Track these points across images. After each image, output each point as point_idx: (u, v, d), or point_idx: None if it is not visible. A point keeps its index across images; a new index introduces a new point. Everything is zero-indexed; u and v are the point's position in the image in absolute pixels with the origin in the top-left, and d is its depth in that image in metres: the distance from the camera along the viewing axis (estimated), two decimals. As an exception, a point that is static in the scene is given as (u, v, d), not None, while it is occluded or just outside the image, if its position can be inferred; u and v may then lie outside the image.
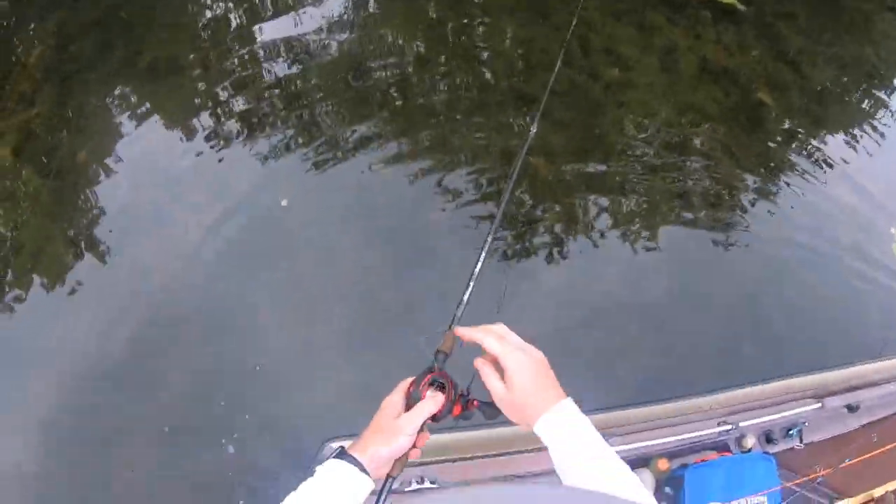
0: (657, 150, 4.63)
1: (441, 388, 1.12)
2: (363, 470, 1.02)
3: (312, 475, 1.03)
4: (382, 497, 1.07)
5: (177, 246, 4.07)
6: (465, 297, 1.25)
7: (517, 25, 5.45)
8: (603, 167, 4.48)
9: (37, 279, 3.97)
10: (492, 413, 1.13)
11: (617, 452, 1.01)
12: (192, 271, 3.94)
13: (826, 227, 4.41)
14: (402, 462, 1.09)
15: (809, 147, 4.91)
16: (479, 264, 1.28)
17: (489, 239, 1.31)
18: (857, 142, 5.07)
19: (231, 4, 5.61)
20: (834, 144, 5.02)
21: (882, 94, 5.62)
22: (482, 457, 2.21)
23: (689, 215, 4.40)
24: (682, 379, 3.34)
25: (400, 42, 5.41)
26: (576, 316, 3.76)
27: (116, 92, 5.01)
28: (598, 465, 0.97)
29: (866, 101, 5.58)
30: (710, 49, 5.40)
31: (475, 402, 1.16)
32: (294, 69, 5.04)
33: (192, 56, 5.09)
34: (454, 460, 2.19)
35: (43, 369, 3.56)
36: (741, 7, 5.83)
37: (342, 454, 1.04)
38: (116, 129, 4.78)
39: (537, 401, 1.00)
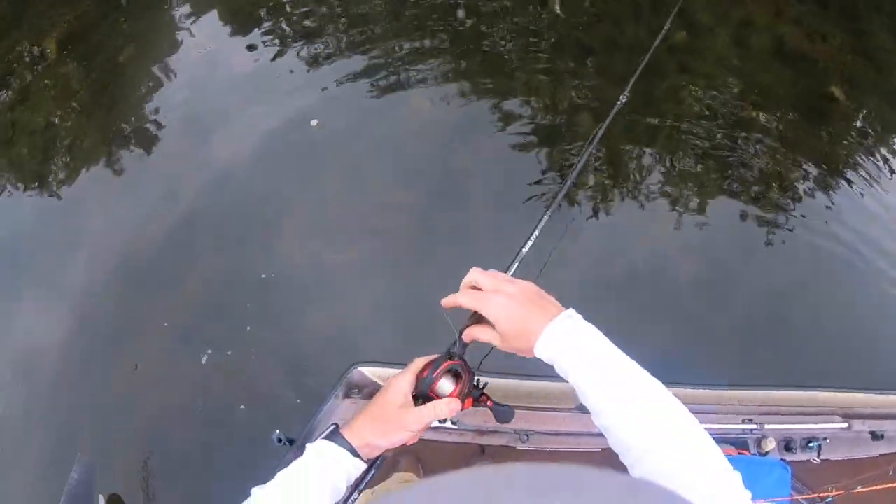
0: (713, 124, 4.35)
1: (457, 377, 1.05)
2: (356, 454, 0.97)
3: (304, 453, 0.98)
4: (368, 477, 1.02)
5: (220, 148, 4.05)
6: (524, 251, 1.17)
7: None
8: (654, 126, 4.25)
9: (78, 169, 4.09)
10: (505, 415, 1.10)
11: None
12: (229, 175, 3.93)
13: (877, 234, 4.16)
14: (395, 449, 1.03)
15: (876, 150, 4.60)
16: (536, 233, 1.21)
17: (553, 204, 1.25)
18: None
19: None
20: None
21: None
22: (522, 407, 2.06)
23: (738, 188, 4.16)
24: (694, 363, 3.19)
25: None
26: (602, 278, 3.60)
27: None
28: (613, 380, 0.89)
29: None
30: (789, 30, 5.04)
31: (489, 402, 1.10)
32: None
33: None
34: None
35: (79, 252, 3.67)
36: (830, -11, 5.44)
37: (334, 435, 0.98)
38: (165, 29, 4.86)
39: (531, 329, 0.92)
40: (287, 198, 3.83)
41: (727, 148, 4.27)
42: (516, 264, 1.15)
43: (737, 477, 0.82)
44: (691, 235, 3.93)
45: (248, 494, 0.94)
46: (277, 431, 1.75)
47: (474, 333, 1.00)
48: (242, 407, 3.13)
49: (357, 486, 1.03)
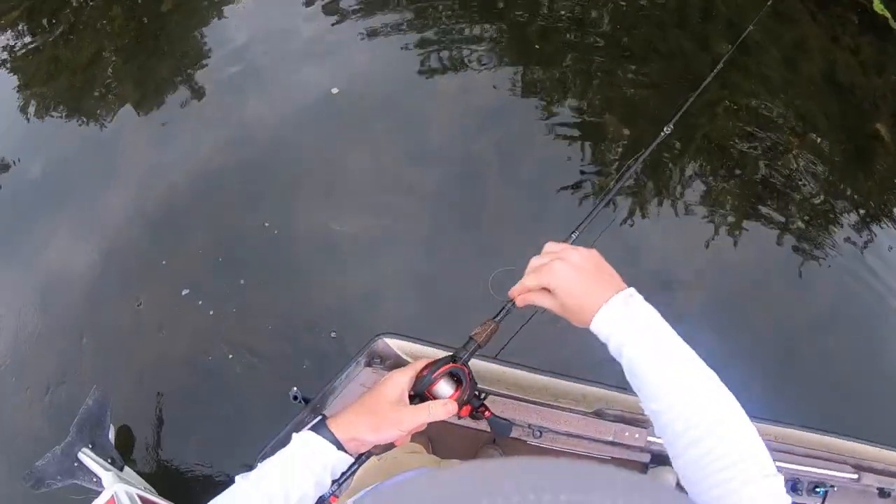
0: (748, 145, 4.18)
1: (458, 382, 1.02)
2: (341, 448, 0.94)
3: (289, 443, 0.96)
4: (350, 471, 0.98)
5: (255, 106, 4.10)
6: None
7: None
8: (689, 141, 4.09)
9: (115, 110, 4.20)
10: (502, 429, 1.11)
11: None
12: (260, 133, 3.97)
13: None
14: (383, 446, 1.00)
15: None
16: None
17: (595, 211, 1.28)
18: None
19: None
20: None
21: None
22: (519, 399, 1.99)
23: (767, 213, 4.01)
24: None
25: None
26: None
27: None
28: (670, 365, 0.87)
29: None
30: (843, 58, 4.83)
31: (487, 413, 1.09)
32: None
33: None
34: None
35: (109, 189, 3.83)
36: (893, 24, 5.21)
37: (321, 426, 0.95)
38: None
39: (587, 299, 0.91)
40: (320, 160, 3.87)
41: (755, 170, 4.11)
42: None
43: (779, 481, 0.80)
44: (718, 253, 3.83)
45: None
46: (295, 389, 1.78)
47: (531, 298, 0.98)
48: (231, 356, 3.11)
49: (340, 479, 0.98)
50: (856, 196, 4.35)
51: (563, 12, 4.72)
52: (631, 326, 0.89)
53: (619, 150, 3.97)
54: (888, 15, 5.21)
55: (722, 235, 3.90)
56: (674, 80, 4.27)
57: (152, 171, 3.85)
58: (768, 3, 4.17)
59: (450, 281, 3.28)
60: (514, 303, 1.02)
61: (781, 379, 3.44)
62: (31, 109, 4.35)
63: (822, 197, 4.23)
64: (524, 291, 0.98)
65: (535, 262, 0.98)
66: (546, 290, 0.95)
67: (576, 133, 4.03)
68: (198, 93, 4.23)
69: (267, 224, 3.56)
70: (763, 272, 3.87)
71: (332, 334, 3.18)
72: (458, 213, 3.64)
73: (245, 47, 4.39)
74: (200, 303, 3.35)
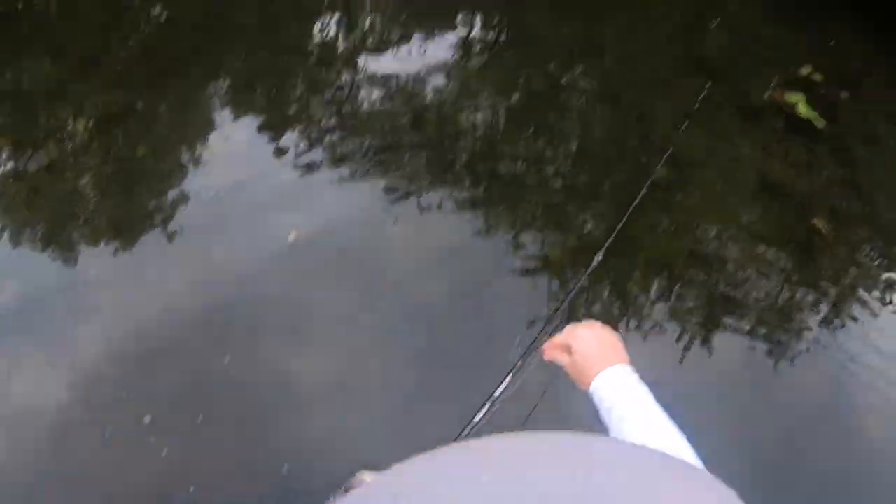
0: (694, 261, 4.59)
1: None
2: None
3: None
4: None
5: (230, 249, 4.29)
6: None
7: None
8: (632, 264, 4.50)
9: (89, 243, 4.35)
10: None
11: None
12: (238, 275, 4.15)
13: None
14: None
15: (860, 285, 4.72)
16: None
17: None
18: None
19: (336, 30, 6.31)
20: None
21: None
22: None
23: (730, 324, 4.32)
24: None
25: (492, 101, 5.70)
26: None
27: (204, 93, 5.58)
28: (644, 422, 1.01)
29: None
30: (775, 165, 5.31)
31: None
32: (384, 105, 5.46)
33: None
34: None
35: (87, 323, 3.88)
36: (819, 124, 5.71)
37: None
38: (191, 127, 5.29)
39: (595, 363, 1.12)
40: (283, 303, 4.07)
41: (706, 286, 4.47)
42: (488, 405, 1.37)
43: None
44: (686, 374, 4.05)
45: None
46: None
47: (553, 354, 1.22)
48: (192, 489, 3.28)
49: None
50: (812, 291, 4.66)
51: (518, 161, 5.29)
52: (624, 392, 1.06)
53: (566, 279, 4.37)
54: (812, 117, 5.73)
55: (685, 353, 4.17)
56: (614, 207, 4.73)
57: (121, 308, 3.98)
58: (684, 124, 4.76)
59: (411, 419, 3.48)
60: (542, 353, 1.26)
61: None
62: (6, 235, 4.40)
63: (780, 298, 4.55)
64: (553, 346, 1.21)
65: (570, 326, 1.22)
66: (568, 350, 1.18)
67: (530, 266, 4.41)
68: (169, 235, 4.40)
69: (227, 361, 3.72)
70: (735, 385, 4.06)
71: (285, 470, 3.31)
72: (416, 352, 3.86)
73: (215, 192, 4.65)
74: (153, 440, 3.42)
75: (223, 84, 5.65)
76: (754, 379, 4.10)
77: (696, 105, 5.48)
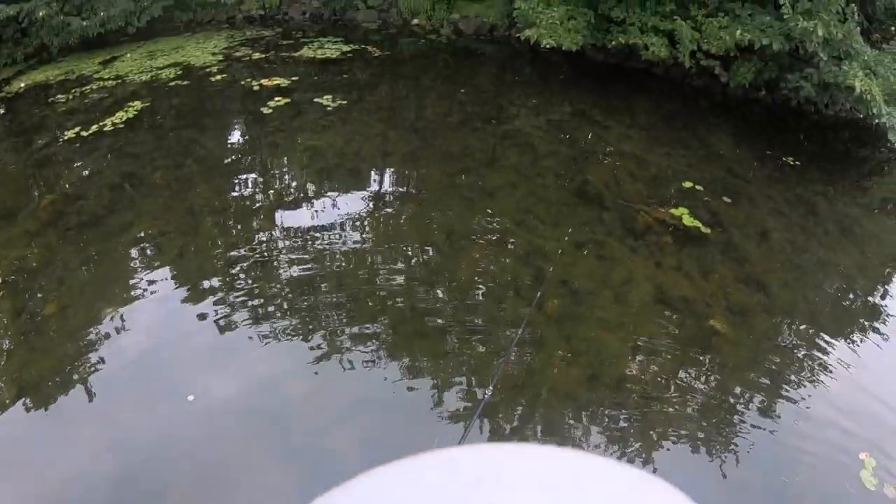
0: (599, 384, 4.68)
1: None
2: None
3: None
4: None
5: (141, 408, 4.30)
6: None
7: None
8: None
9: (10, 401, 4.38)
10: None
11: None
12: (148, 434, 4.14)
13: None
14: None
15: (761, 379, 4.83)
16: None
17: None
18: (825, 372, 4.94)
19: (252, 188, 6.71)
20: (794, 377, 4.92)
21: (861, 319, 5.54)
22: None
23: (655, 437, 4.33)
24: None
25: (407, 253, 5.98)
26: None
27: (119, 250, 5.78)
28: None
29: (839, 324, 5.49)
30: (669, 277, 5.57)
31: None
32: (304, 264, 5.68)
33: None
34: None
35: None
36: (705, 230, 6.07)
37: None
38: (101, 287, 5.39)
39: None
40: (192, 462, 4.03)
41: (624, 407, 4.55)
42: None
43: None
44: None
45: None
46: None
47: None
48: None
49: None
50: (723, 388, 4.75)
51: (422, 307, 5.48)
52: None
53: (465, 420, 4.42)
54: (699, 224, 6.10)
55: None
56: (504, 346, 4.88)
57: (30, 467, 3.98)
58: (565, 238, 5.01)
59: None
60: None
61: None
62: None
63: (693, 400, 4.63)
64: None
65: None
66: None
67: (434, 412, 4.45)
68: (81, 394, 4.44)
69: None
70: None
71: None
72: None
73: (126, 351, 4.75)
74: None
75: (138, 242, 5.92)
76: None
77: (583, 236, 5.85)
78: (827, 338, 5.20)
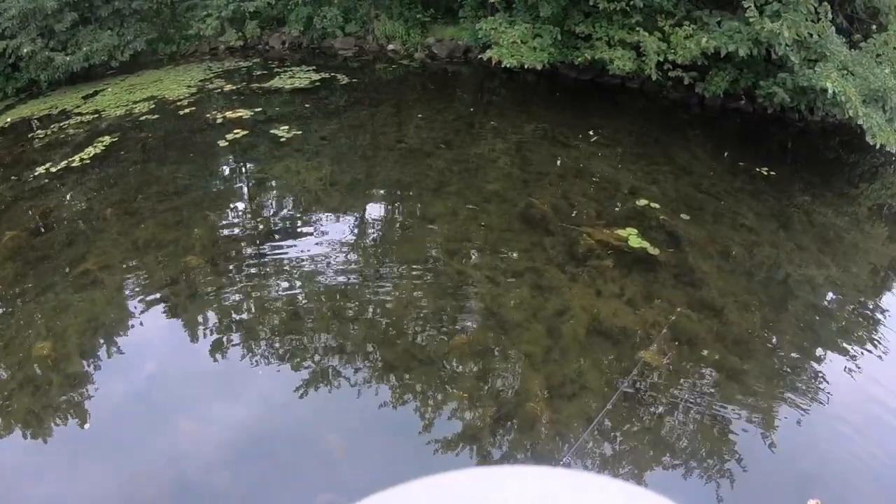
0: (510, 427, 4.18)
1: None
2: None
3: None
4: None
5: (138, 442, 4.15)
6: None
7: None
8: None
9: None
10: None
11: None
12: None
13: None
14: None
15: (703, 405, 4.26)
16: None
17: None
18: (776, 409, 4.35)
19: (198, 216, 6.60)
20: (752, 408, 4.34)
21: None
22: None
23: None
24: None
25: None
26: None
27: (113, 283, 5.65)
28: None
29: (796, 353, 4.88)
30: (607, 306, 5.04)
31: None
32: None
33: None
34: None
35: None
36: (653, 251, 5.54)
37: None
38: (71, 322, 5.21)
39: None
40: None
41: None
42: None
43: None
44: None
45: None
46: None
47: None
48: None
49: None
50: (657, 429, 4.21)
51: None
52: None
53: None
54: (646, 245, 5.58)
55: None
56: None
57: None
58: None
59: None
60: None
61: None
62: None
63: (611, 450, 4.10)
64: None
65: None
66: None
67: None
68: (81, 427, 4.37)
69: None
70: None
71: None
72: None
73: (127, 383, 4.66)
74: None
75: (129, 274, 5.77)
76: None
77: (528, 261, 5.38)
78: (787, 368, 4.62)
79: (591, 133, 7.98)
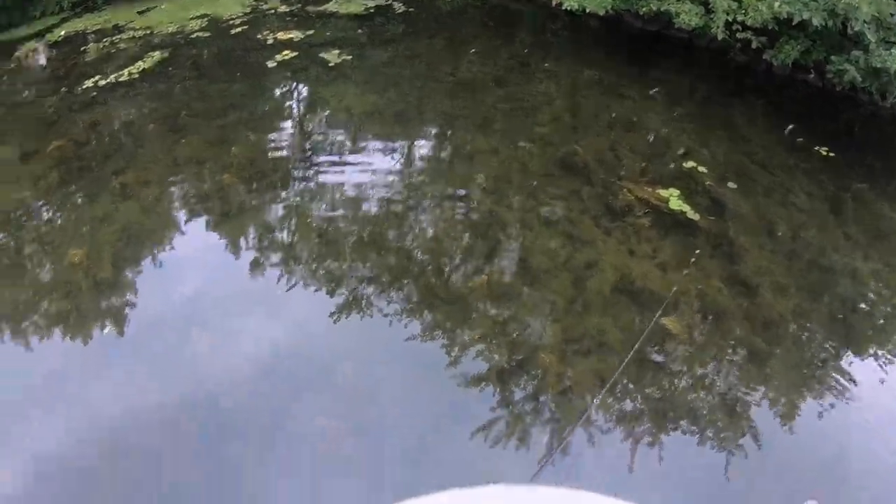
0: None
1: None
2: None
3: None
4: None
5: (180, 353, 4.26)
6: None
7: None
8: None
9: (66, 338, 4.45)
10: None
11: None
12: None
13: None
14: None
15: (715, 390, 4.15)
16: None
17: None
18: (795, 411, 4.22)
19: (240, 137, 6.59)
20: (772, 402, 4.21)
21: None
22: None
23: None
24: None
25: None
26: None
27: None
28: None
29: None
30: (639, 266, 4.89)
31: None
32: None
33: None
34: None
35: (47, 416, 3.89)
36: (693, 216, 5.34)
37: None
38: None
39: None
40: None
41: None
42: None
43: None
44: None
45: None
46: None
47: None
48: None
49: None
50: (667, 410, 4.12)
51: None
52: None
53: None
54: (686, 208, 5.37)
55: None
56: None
57: (83, 402, 3.97)
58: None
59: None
60: None
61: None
62: None
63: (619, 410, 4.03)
64: None
65: None
66: None
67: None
68: (135, 333, 4.50)
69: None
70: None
71: None
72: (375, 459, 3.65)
73: (176, 294, 4.75)
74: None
75: (167, 189, 5.84)
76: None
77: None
78: (814, 359, 4.46)
79: (647, 86, 7.64)
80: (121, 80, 7.87)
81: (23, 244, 5.28)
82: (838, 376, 4.34)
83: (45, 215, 5.65)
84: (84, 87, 7.76)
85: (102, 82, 7.82)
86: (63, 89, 7.84)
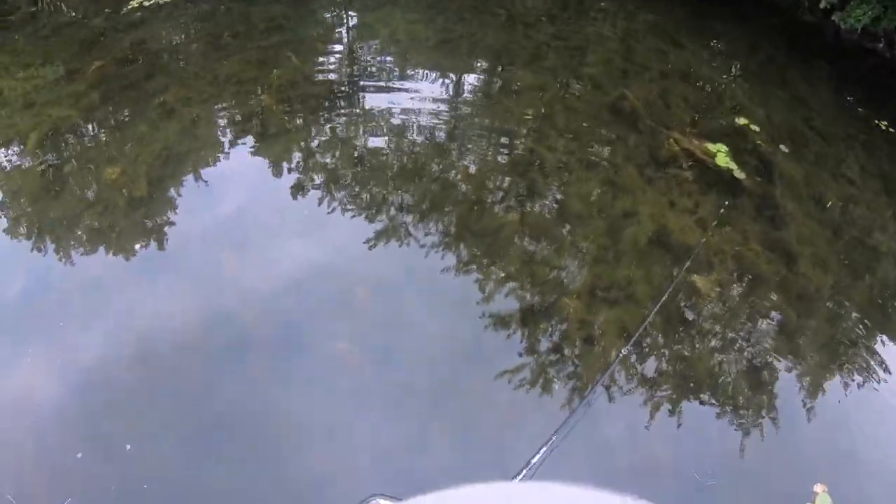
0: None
1: None
2: None
3: None
4: None
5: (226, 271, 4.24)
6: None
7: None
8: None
9: (110, 252, 4.39)
10: None
11: None
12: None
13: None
14: None
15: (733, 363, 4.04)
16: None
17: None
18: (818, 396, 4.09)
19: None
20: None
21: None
22: None
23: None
24: None
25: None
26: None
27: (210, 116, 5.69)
28: None
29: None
30: (677, 220, 4.73)
31: None
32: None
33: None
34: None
35: (88, 330, 3.84)
36: (739, 175, 5.13)
37: None
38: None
39: None
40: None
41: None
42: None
43: None
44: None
45: None
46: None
47: None
48: None
49: None
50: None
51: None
52: None
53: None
54: (733, 166, 5.16)
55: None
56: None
57: (125, 317, 3.94)
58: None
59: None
60: None
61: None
62: (22, 228, 4.55)
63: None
64: None
65: None
66: None
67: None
68: (179, 248, 4.47)
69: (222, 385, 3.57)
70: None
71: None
72: (409, 389, 3.62)
73: (220, 214, 4.72)
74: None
75: (206, 109, 5.73)
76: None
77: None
78: (846, 340, 4.31)
79: (707, 37, 7.29)
80: (165, 1, 7.70)
81: (66, 161, 5.18)
82: (869, 359, 4.20)
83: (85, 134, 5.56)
84: (129, 6, 7.59)
85: (147, 3, 7.64)
86: (107, 10, 7.64)
